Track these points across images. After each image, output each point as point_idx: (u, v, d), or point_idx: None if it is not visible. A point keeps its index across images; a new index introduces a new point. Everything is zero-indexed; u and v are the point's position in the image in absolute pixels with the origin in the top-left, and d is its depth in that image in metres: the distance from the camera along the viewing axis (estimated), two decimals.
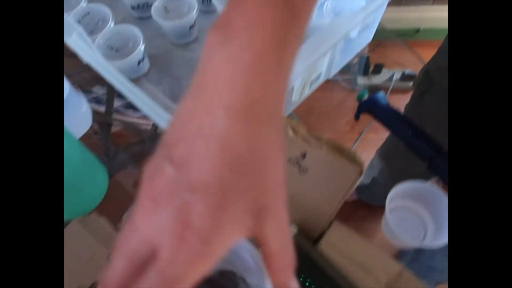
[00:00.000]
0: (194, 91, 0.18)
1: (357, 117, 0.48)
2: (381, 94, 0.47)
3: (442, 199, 0.37)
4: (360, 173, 0.35)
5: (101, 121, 0.67)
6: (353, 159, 0.35)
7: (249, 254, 0.20)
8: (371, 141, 1.33)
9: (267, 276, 0.19)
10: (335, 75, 1.25)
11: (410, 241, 0.38)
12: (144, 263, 0.16)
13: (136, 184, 0.63)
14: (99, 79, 0.66)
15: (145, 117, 0.78)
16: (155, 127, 0.69)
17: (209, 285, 0.23)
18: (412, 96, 0.73)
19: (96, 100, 0.73)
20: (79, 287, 0.38)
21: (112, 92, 0.66)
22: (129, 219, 0.18)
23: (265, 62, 0.17)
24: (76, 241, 0.41)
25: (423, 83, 0.66)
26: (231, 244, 0.17)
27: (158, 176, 0.17)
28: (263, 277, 0.20)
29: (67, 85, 0.46)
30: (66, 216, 0.45)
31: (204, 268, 0.16)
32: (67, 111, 0.46)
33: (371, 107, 0.46)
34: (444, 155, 0.42)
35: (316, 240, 0.40)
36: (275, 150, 0.18)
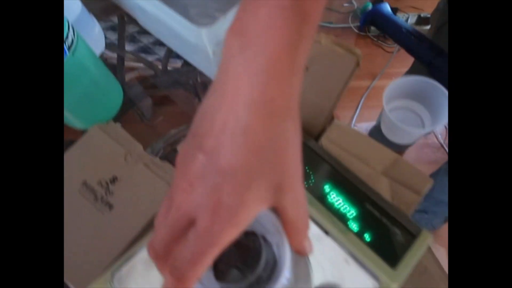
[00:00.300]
0: (218, 90, 0.21)
1: (361, 28, 0.48)
2: (384, 4, 0.47)
3: (435, 88, 0.38)
4: (357, 64, 0.37)
5: (113, 64, 0.69)
6: (350, 50, 0.36)
7: (267, 218, 0.24)
8: (384, 88, 1.32)
9: (284, 235, 0.23)
10: (348, 23, 1.23)
11: (411, 129, 0.39)
12: (183, 231, 0.20)
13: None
14: (110, 10, 0.68)
15: (156, 60, 0.81)
16: (167, 60, 0.71)
17: (234, 244, 0.27)
18: (428, 34, 0.71)
19: (109, 46, 0.76)
20: (100, 180, 0.42)
21: (123, 22, 0.68)
22: (168, 194, 0.21)
23: (279, 65, 0.20)
24: (96, 142, 0.44)
25: (442, 14, 0.65)
26: (256, 214, 0.20)
27: (191, 162, 0.20)
28: (281, 235, 0.23)
29: (79, 4, 0.48)
30: (84, 126, 0.48)
31: (234, 235, 0.20)
32: (80, 30, 0.49)
33: (374, 17, 0.47)
34: (445, 57, 0.43)
35: (317, 137, 0.42)
36: (292, 139, 0.21)
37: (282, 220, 0.22)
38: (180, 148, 0.22)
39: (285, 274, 0.23)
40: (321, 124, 0.41)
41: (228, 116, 0.20)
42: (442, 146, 1.19)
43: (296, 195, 0.21)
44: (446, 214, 1.02)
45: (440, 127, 0.39)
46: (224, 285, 0.26)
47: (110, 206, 0.41)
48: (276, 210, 0.22)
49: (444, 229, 1.05)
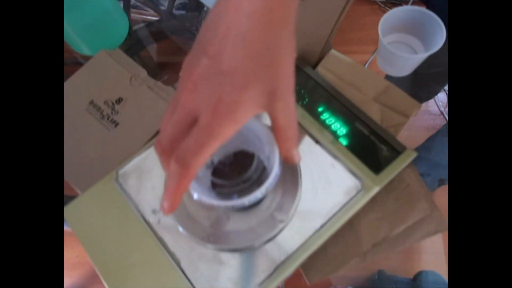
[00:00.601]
0: (222, 3, 0.22)
1: None
2: None
3: (428, 18, 0.40)
4: None
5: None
6: None
7: (261, 130, 0.27)
8: None
9: (276, 148, 0.25)
10: None
11: (406, 55, 0.40)
12: (187, 128, 0.22)
13: None
14: None
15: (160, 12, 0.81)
16: (172, 5, 0.72)
17: (235, 155, 0.30)
18: None
19: None
20: (106, 100, 0.45)
21: None
22: (174, 95, 0.23)
23: None
24: (102, 65, 0.46)
25: None
26: (251, 116, 0.22)
27: (196, 65, 0.22)
28: (272, 145, 0.25)
29: None
30: (90, 52, 0.50)
31: (231, 130, 0.22)
32: None
33: None
34: None
35: (315, 66, 0.44)
36: (288, 48, 0.23)
37: (273, 127, 0.24)
38: (187, 55, 0.24)
39: (274, 173, 0.26)
40: (319, 53, 0.43)
41: (231, 24, 0.22)
42: (442, 113, 1.20)
43: (287, 103, 0.23)
44: (441, 177, 1.04)
45: (432, 52, 0.40)
46: (218, 180, 0.28)
47: (116, 124, 0.43)
48: (269, 117, 0.24)
49: (438, 192, 1.07)
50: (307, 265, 0.38)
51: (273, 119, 0.24)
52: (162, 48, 0.74)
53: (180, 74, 0.24)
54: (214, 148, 0.22)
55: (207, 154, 0.22)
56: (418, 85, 0.83)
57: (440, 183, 1.08)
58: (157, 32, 0.72)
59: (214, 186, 0.29)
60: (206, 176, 0.29)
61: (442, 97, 1.22)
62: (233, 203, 0.26)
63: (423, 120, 1.20)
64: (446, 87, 1.16)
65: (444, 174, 1.05)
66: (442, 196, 1.13)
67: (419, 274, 0.93)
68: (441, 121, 1.17)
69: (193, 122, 0.22)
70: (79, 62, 0.59)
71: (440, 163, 1.01)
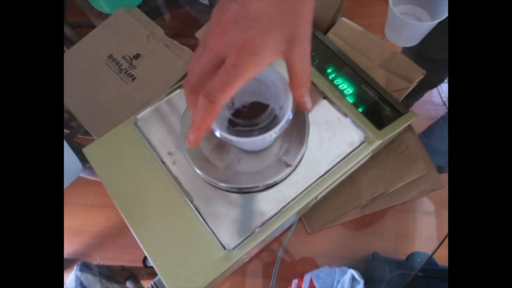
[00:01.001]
0: None
1: None
2: None
3: None
4: None
5: None
6: None
7: (280, 82, 0.29)
8: None
9: (290, 96, 0.28)
10: None
11: (414, 22, 0.42)
12: (214, 69, 0.24)
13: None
14: None
15: None
16: None
17: (252, 104, 0.33)
18: None
19: None
20: (124, 55, 0.47)
21: None
22: (202, 40, 0.25)
23: None
24: (121, 22, 0.48)
25: None
26: (270, 60, 0.24)
27: (225, 11, 0.24)
28: (287, 97, 0.28)
29: None
30: (109, 10, 0.52)
31: (254, 72, 0.24)
32: None
33: None
34: None
35: (326, 31, 0.46)
36: (307, 2, 0.24)
37: (289, 73, 0.26)
38: (217, 4, 0.26)
39: (287, 116, 0.28)
40: (330, 19, 0.45)
41: None
42: (444, 104, 1.22)
43: (304, 51, 0.26)
44: (439, 164, 1.07)
45: (439, 20, 0.42)
46: (237, 120, 0.31)
47: (133, 77, 0.45)
48: (286, 64, 0.26)
49: None
50: (309, 215, 0.40)
51: (289, 65, 0.26)
52: (175, 17, 0.75)
53: (211, 15, 0.25)
54: (238, 87, 0.24)
55: (232, 91, 0.24)
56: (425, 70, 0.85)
57: (438, 171, 1.11)
58: (171, 2, 0.73)
59: (232, 125, 0.31)
60: (225, 119, 0.32)
61: (445, 88, 1.24)
62: (247, 140, 0.28)
63: (426, 110, 1.21)
64: None
65: (442, 161, 1.07)
66: None
67: (411, 255, 0.96)
68: (443, 111, 1.19)
69: (220, 63, 0.24)
70: (94, 25, 0.61)
71: (439, 149, 1.04)
